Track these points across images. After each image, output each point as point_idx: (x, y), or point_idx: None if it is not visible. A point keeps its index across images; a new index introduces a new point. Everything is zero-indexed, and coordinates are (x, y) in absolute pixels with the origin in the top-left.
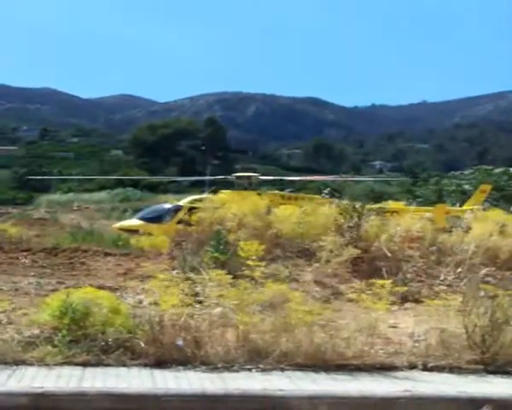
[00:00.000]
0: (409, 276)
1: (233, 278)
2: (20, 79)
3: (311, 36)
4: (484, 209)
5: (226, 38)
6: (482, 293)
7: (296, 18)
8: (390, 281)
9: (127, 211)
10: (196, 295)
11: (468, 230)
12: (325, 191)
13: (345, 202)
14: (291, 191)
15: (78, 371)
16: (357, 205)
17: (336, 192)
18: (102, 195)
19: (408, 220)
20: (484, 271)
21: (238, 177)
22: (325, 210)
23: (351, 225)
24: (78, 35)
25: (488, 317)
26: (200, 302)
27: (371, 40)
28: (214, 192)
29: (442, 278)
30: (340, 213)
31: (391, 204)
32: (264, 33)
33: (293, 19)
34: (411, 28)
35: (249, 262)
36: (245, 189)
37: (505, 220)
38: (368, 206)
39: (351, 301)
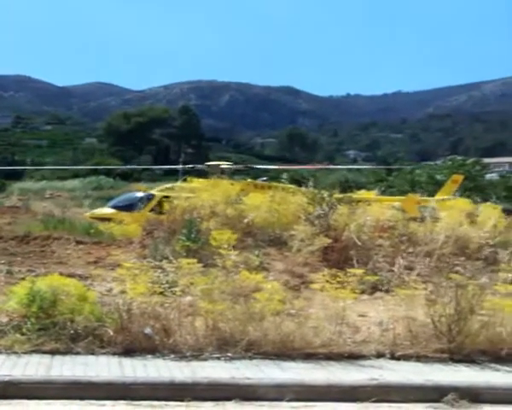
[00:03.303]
0: (379, 265)
1: (204, 266)
2: None
3: (286, 24)
4: (454, 199)
5: (201, 26)
6: (448, 282)
7: (271, 6)
8: (360, 270)
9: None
10: (166, 283)
11: (438, 219)
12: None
13: (313, 190)
14: (265, 180)
15: (46, 359)
16: (325, 194)
17: (309, 181)
18: (75, 183)
19: (378, 210)
20: (453, 261)
21: (210, 166)
22: (296, 199)
23: (320, 213)
24: (52, 22)
25: (453, 306)
26: (169, 291)
27: (346, 29)
28: (187, 181)
29: (412, 267)
30: (309, 203)
31: (362, 193)
32: (239, 22)
33: (269, 7)
34: (386, 18)
35: (221, 251)
36: (218, 177)
37: (472, 210)
38: (336, 195)
39: (321, 290)
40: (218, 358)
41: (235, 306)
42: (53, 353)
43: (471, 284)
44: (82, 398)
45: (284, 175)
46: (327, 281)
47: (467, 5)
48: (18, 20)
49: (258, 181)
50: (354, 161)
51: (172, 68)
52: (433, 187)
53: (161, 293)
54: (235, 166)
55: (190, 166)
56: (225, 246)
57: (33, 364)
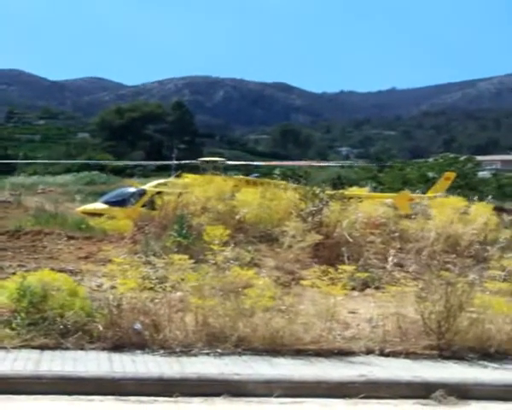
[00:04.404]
0: (370, 262)
1: (195, 262)
2: None
3: (281, 20)
4: (445, 196)
5: (196, 21)
6: (438, 279)
7: (266, 2)
8: (352, 267)
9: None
10: (156, 279)
11: (429, 217)
12: (276, 173)
13: (305, 187)
14: (257, 177)
15: (35, 354)
16: (318, 190)
17: (301, 178)
18: (68, 178)
19: (370, 207)
20: (444, 258)
21: (204, 161)
22: (287, 195)
23: (312, 210)
24: (45, 16)
25: (443, 303)
26: (160, 286)
27: (341, 26)
28: (180, 176)
29: (403, 264)
30: (301, 199)
31: (354, 190)
32: (234, 17)
33: (263, 3)
34: (381, 15)
35: (212, 247)
36: (211, 173)
37: (463, 207)
38: (328, 191)
39: (312, 286)
40: (208, 354)
41: (226, 302)
42: (42, 348)
43: (461, 281)
44: (71, 393)
45: (277, 171)
46: (318, 277)
47: (462, 3)
48: (10, 14)
49: (250, 177)
50: (347, 158)
51: (167, 64)
52: (424, 184)
53: (151, 288)
54: (230, 163)
55: (186, 161)
56: (217, 242)
57: (22, 359)
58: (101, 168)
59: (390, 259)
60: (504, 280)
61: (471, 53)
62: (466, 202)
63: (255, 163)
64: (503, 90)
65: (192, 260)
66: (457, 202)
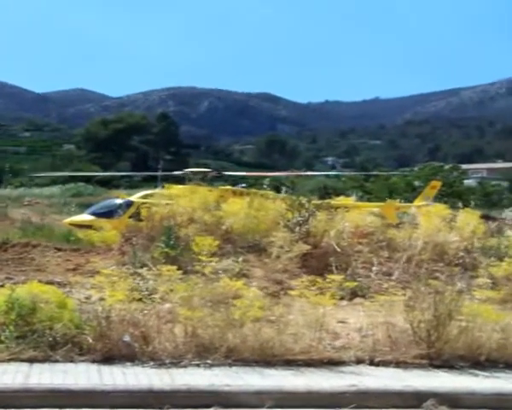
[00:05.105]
0: (358, 271)
1: (184, 273)
2: None
3: (265, 32)
4: (429, 205)
5: (180, 32)
6: (426, 288)
7: (251, 13)
8: (340, 276)
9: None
10: (145, 290)
11: (416, 225)
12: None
13: (292, 197)
14: (244, 187)
15: (24, 367)
16: (304, 200)
17: (288, 188)
18: (54, 190)
19: (357, 216)
20: (432, 266)
21: (193, 172)
22: (274, 205)
23: (299, 220)
24: (30, 28)
25: (432, 312)
26: (149, 298)
27: (325, 37)
28: (166, 187)
29: (391, 273)
30: (288, 209)
31: (340, 200)
32: (219, 29)
33: (248, 14)
34: (365, 25)
35: (201, 257)
36: (198, 184)
37: (450, 215)
38: (315, 201)
39: (300, 296)
40: (198, 365)
41: (215, 312)
42: (31, 361)
43: (449, 289)
44: (60, 407)
45: (266, 181)
46: (306, 287)
47: (445, 12)
48: None
49: (237, 188)
50: (333, 168)
51: (151, 75)
52: (410, 193)
53: (140, 300)
54: (212, 173)
55: (172, 172)
56: (205, 252)
57: (11, 372)
58: (88, 180)
59: (374, 268)
60: (492, 288)
61: (454, 62)
62: (451, 209)
63: (240, 174)
64: (486, 98)
65: (180, 271)
66: (442, 210)
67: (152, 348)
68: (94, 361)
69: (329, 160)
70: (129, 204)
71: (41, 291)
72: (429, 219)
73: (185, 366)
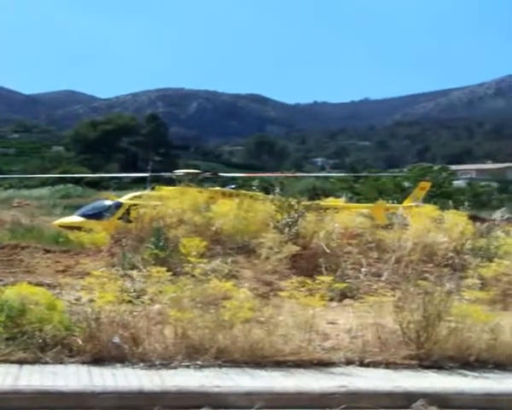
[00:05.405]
0: (348, 272)
1: (173, 274)
2: None
3: (253, 33)
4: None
5: (169, 33)
6: (415, 289)
7: (239, 14)
8: (329, 277)
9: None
10: (134, 291)
11: (406, 226)
12: (255, 185)
13: (281, 198)
14: (233, 188)
15: (14, 369)
16: (293, 201)
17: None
18: (43, 191)
19: (346, 217)
20: (421, 267)
21: (187, 173)
22: (263, 207)
23: (288, 221)
24: (19, 30)
25: (421, 313)
26: (138, 299)
27: (313, 37)
28: (155, 189)
29: (380, 274)
30: (277, 211)
31: (330, 201)
32: (207, 30)
33: (236, 15)
34: (353, 26)
35: (190, 259)
36: (187, 185)
37: (439, 216)
38: (304, 202)
39: (290, 297)
40: (188, 366)
41: (205, 314)
42: (21, 362)
43: (438, 290)
44: (50, 408)
45: (255, 182)
46: (296, 288)
47: (434, 13)
48: None
49: (226, 189)
50: (322, 169)
51: (140, 76)
52: (400, 194)
53: (130, 301)
54: (203, 174)
55: (162, 173)
56: (194, 254)
57: (1, 374)
58: (77, 181)
59: (363, 269)
60: (481, 289)
61: (443, 63)
62: (440, 210)
63: (230, 175)
64: (475, 99)
65: (170, 273)
66: (432, 210)
67: (142, 350)
68: (84, 363)
69: (319, 161)
70: (118, 206)
71: (30, 293)
72: (419, 220)
73: (175, 368)
